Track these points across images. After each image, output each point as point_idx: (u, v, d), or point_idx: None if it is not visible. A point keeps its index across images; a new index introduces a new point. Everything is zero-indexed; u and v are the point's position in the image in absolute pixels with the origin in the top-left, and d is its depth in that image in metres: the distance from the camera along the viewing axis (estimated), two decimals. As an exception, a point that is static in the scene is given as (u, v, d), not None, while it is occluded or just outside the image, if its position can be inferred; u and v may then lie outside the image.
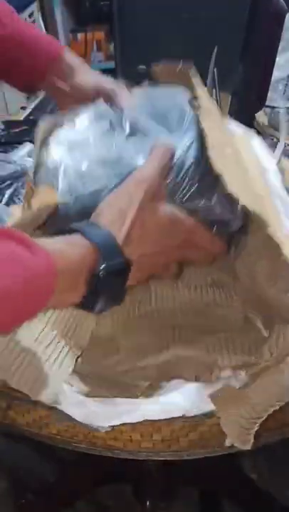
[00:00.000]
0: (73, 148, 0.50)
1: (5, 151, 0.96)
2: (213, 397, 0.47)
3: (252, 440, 0.43)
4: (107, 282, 0.40)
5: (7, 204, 0.80)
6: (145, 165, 0.45)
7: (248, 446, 0.43)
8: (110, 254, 0.40)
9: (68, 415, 0.47)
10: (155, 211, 0.44)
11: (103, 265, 0.39)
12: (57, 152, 0.50)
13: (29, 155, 0.92)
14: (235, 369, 0.50)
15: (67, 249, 0.39)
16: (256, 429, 0.43)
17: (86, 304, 0.41)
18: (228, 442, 0.45)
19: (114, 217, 0.42)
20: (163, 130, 0.50)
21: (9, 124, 1.07)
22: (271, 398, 0.42)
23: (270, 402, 0.42)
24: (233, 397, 0.46)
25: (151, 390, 0.50)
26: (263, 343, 0.51)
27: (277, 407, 0.43)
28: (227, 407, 0.45)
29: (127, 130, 0.51)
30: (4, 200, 0.81)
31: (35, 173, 0.52)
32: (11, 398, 0.50)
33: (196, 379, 0.50)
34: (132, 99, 0.56)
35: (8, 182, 0.85)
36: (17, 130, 1.04)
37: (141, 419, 0.46)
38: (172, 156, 0.46)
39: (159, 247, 0.45)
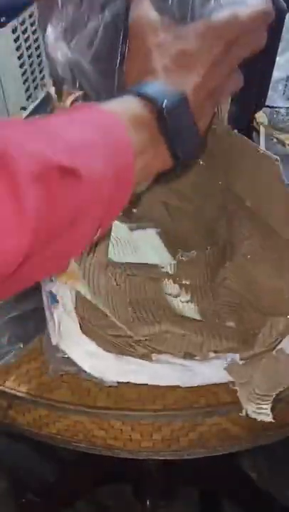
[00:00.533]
0: None
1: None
2: (228, 369, 0.48)
3: (268, 413, 0.43)
4: (175, 119, 0.37)
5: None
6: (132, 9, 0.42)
7: (266, 418, 0.43)
8: (161, 92, 0.37)
9: (75, 364, 0.47)
10: (174, 38, 0.40)
11: (164, 101, 0.37)
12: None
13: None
14: (220, 352, 0.50)
15: (118, 104, 0.37)
16: (269, 404, 0.43)
17: (173, 155, 0.38)
18: (244, 412, 0.45)
19: (137, 70, 0.40)
20: None
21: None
22: (273, 382, 0.43)
23: (273, 386, 0.43)
24: (238, 374, 0.47)
25: (147, 357, 0.50)
26: (246, 332, 0.51)
27: (282, 389, 0.44)
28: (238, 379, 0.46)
29: None
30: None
31: None
32: (12, 397, 0.50)
33: (186, 356, 0.50)
34: None
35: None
36: (17, 130, 1.04)
37: (145, 382, 0.47)
38: None
39: (204, 69, 0.40)
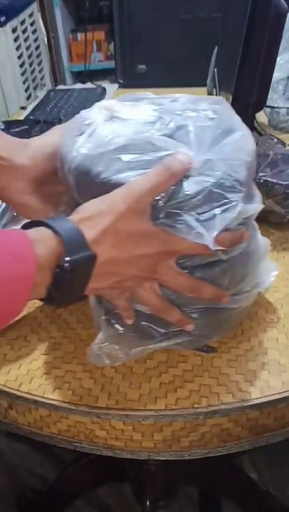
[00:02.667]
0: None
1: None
2: None
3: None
4: (70, 276, 0.40)
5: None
6: (140, 178, 0.42)
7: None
8: (76, 247, 0.40)
9: None
10: (132, 225, 0.42)
11: (68, 258, 0.39)
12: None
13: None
14: None
15: (34, 242, 0.39)
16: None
17: (48, 297, 0.41)
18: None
19: (88, 216, 0.42)
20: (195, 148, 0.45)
21: (9, 124, 1.07)
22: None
23: None
24: None
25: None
26: None
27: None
28: None
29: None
30: (4, 200, 0.81)
31: None
32: (13, 398, 0.50)
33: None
34: None
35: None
36: (17, 130, 1.04)
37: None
38: (172, 177, 0.42)
39: (130, 257, 0.43)
